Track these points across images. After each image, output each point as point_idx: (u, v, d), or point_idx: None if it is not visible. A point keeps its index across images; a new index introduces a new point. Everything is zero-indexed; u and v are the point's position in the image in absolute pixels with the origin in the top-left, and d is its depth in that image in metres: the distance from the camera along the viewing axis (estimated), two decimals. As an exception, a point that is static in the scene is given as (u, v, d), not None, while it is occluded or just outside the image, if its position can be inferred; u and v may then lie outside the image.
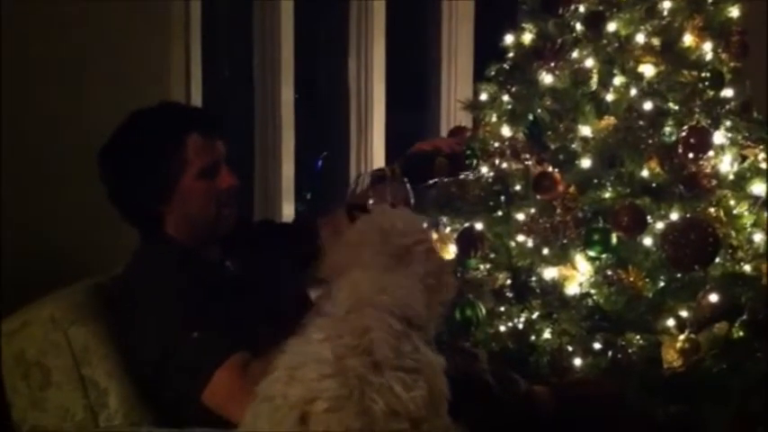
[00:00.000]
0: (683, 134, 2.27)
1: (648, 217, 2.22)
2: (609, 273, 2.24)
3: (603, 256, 2.23)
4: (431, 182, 2.12)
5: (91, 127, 2.06)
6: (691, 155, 2.27)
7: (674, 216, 2.23)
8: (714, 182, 2.29)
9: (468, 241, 2.38)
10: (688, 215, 2.21)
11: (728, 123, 2.37)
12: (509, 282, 2.39)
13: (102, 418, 1.75)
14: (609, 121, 2.36)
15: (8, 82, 2.36)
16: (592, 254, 2.24)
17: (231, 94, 3.31)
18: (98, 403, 1.75)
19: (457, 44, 3.55)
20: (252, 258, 1.99)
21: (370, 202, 1.86)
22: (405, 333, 1.43)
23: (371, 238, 1.57)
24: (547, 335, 2.27)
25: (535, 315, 2.31)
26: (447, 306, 1.70)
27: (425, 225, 1.66)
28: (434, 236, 1.71)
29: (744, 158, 2.39)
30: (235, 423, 1.55)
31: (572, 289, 2.27)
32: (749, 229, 2.30)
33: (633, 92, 2.36)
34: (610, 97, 2.38)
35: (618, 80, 2.38)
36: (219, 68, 3.22)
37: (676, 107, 2.33)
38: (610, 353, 2.17)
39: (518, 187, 2.45)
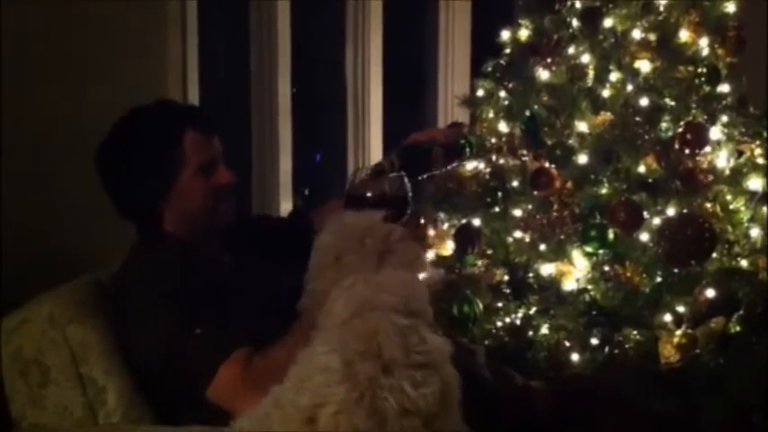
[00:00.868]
0: (680, 130, 2.28)
1: (645, 212, 2.23)
2: (606, 268, 2.25)
3: (600, 251, 2.24)
4: (428, 173, 2.12)
5: (88, 125, 2.06)
6: (687, 150, 2.27)
7: (671, 211, 2.23)
8: (711, 177, 2.30)
9: (465, 237, 2.39)
10: (685, 210, 2.22)
11: (725, 119, 2.38)
12: (506, 278, 2.40)
13: (101, 415, 1.75)
14: (605, 116, 2.36)
15: (7, 81, 2.36)
16: (589, 249, 2.24)
17: (228, 90, 3.31)
18: (97, 401, 1.75)
19: (454, 40, 3.56)
20: (249, 253, 2.00)
21: (368, 194, 1.86)
22: (411, 326, 1.43)
23: (348, 246, 1.60)
24: (544, 330, 2.27)
25: (532, 311, 2.32)
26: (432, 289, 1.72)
27: (378, 216, 1.68)
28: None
29: (740, 154, 2.39)
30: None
31: (569, 284, 2.28)
32: (746, 225, 2.31)
33: (629, 88, 2.36)
34: (606, 93, 2.39)
35: (614, 76, 2.39)
36: (216, 64, 3.22)
37: (673, 103, 2.34)
38: (607, 348, 2.18)
39: (515, 183, 2.45)
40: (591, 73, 2.42)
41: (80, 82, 2.50)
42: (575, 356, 2.20)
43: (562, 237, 2.30)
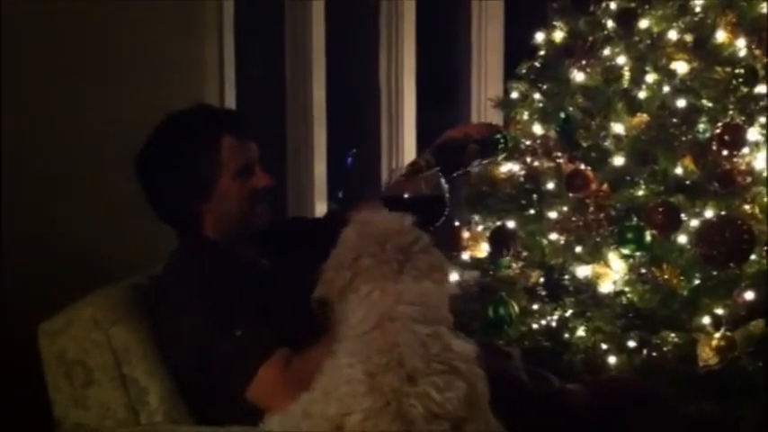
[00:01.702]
0: (717, 131, 2.27)
1: (683, 214, 2.22)
2: (643, 270, 2.24)
3: (637, 253, 2.23)
4: (463, 170, 2.10)
5: (126, 130, 2.09)
6: (725, 152, 2.26)
7: (709, 213, 2.22)
8: (749, 179, 2.28)
9: (500, 240, 2.39)
10: (722, 212, 2.20)
11: (763, 120, 2.35)
12: (542, 280, 2.40)
13: (144, 415, 1.76)
14: (641, 118, 2.36)
15: (43, 84, 2.39)
16: (625, 252, 2.24)
17: (264, 94, 3.33)
18: (139, 401, 1.77)
19: (487, 42, 3.55)
20: (286, 255, 2.01)
21: (405, 195, 1.84)
22: (432, 334, 1.43)
23: (368, 248, 1.55)
24: (581, 333, 2.27)
25: (568, 313, 2.32)
26: (455, 298, 1.70)
27: (409, 221, 1.61)
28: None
29: (778, 155, 2.37)
30: None
31: (606, 287, 2.27)
32: (784, 226, 2.29)
33: (666, 89, 2.35)
34: (642, 95, 2.38)
35: (650, 77, 2.38)
36: (252, 69, 3.25)
37: (710, 104, 2.32)
38: (644, 351, 2.17)
39: (550, 185, 2.46)
40: (626, 74, 2.41)
41: (118, 86, 2.53)
42: (611, 359, 2.20)
43: (598, 239, 2.30)
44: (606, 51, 2.45)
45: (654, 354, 2.14)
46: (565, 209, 2.37)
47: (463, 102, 3.60)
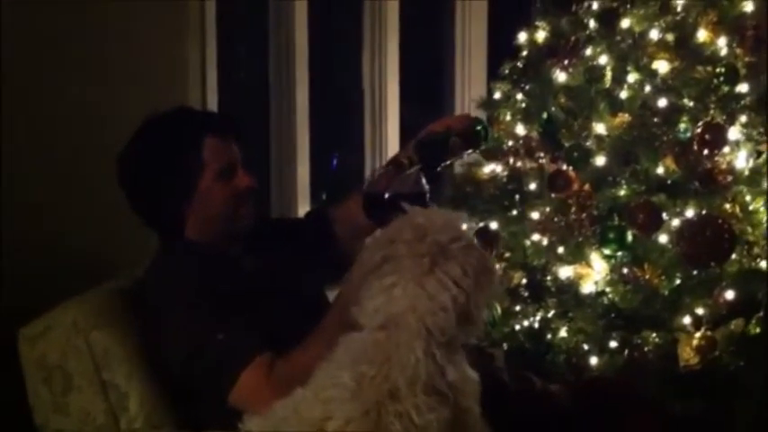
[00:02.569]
0: (698, 130, 2.27)
1: (664, 214, 2.22)
2: (624, 270, 2.25)
3: (619, 253, 2.24)
4: (446, 164, 2.08)
5: (108, 130, 2.08)
6: (706, 151, 2.26)
7: (690, 213, 2.23)
8: (730, 178, 2.29)
9: (483, 240, 2.39)
10: (704, 212, 2.21)
11: (744, 119, 2.36)
12: (524, 281, 2.40)
13: (123, 421, 1.76)
14: (623, 118, 2.36)
15: (24, 85, 2.38)
16: (607, 252, 2.24)
17: (247, 96, 3.33)
18: (119, 406, 1.76)
19: (470, 42, 3.55)
20: (269, 256, 2.00)
21: (386, 196, 1.83)
22: (431, 356, 1.40)
23: (405, 235, 1.48)
24: (563, 333, 2.28)
25: (551, 314, 2.32)
26: (492, 303, 1.64)
27: (464, 223, 1.55)
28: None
29: (759, 154, 2.37)
30: None
31: (588, 287, 2.28)
32: (765, 225, 2.29)
33: (647, 88, 2.36)
34: (624, 94, 2.39)
35: (632, 77, 2.39)
36: (235, 70, 3.24)
37: (691, 103, 2.33)
38: (626, 351, 2.18)
39: (533, 186, 2.46)
40: (609, 74, 2.42)
41: (99, 87, 2.52)
42: (593, 359, 2.20)
43: (580, 239, 2.30)
44: (588, 51, 2.45)
45: (635, 354, 2.14)
46: (547, 209, 2.37)
47: (447, 102, 3.60)
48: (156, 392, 1.79)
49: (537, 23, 2.59)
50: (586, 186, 2.33)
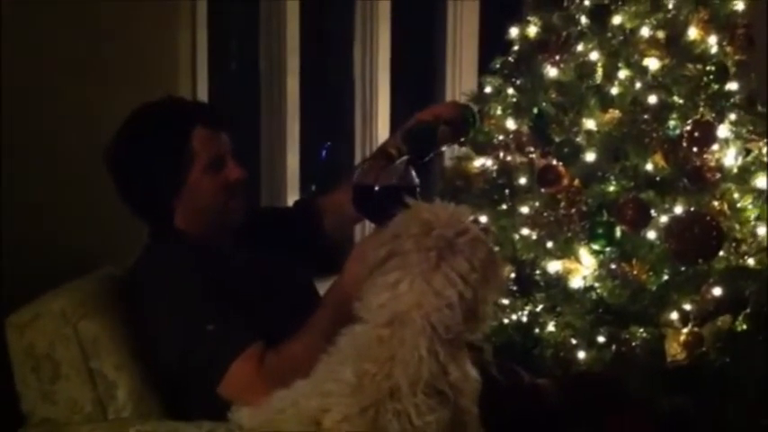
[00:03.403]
0: (688, 128, 2.28)
1: (653, 210, 2.23)
2: (613, 266, 2.26)
3: (607, 249, 2.25)
4: (436, 152, 2.06)
5: (97, 121, 2.07)
6: (695, 148, 2.28)
7: (678, 209, 2.24)
8: (718, 175, 2.30)
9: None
10: (692, 208, 2.22)
11: (733, 117, 2.38)
12: (513, 275, 2.40)
13: (111, 410, 1.76)
14: (613, 114, 2.37)
15: (12, 79, 2.37)
16: (596, 247, 2.25)
17: (237, 86, 3.31)
18: (106, 395, 1.76)
19: (462, 36, 3.56)
20: (259, 246, 2.00)
21: (376, 188, 1.81)
22: (434, 354, 1.39)
23: (412, 230, 1.46)
24: (551, 328, 2.28)
25: (539, 308, 2.33)
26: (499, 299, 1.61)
27: (470, 216, 1.51)
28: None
29: (748, 152, 2.39)
30: None
31: (576, 282, 2.29)
32: (753, 223, 2.31)
33: (638, 85, 2.36)
34: (614, 90, 2.39)
35: (623, 73, 2.39)
36: (226, 60, 3.23)
37: (681, 101, 2.34)
38: (614, 346, 2.19)
39: (522, 180, 2.46)
40: (599, 70, 2.42)
41: (89, 78, 2.50)
42: (581, 354, 2.21)
43: (569, 234, 2.31)
44: (579, 47, 2.45)
45: (623, 348, 2.15)
46: (536, 204, 2.38)
47: (438, 96, 3.60)
48: (145, 382, 1.78)
49: (528, 18, 2.58)
50: (576, 182, 2.34)
